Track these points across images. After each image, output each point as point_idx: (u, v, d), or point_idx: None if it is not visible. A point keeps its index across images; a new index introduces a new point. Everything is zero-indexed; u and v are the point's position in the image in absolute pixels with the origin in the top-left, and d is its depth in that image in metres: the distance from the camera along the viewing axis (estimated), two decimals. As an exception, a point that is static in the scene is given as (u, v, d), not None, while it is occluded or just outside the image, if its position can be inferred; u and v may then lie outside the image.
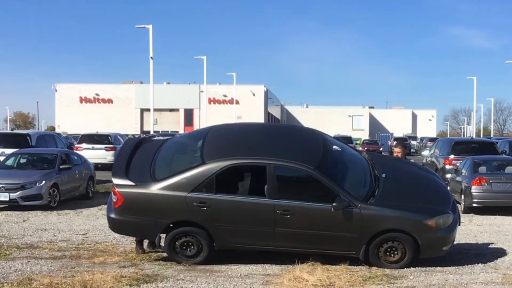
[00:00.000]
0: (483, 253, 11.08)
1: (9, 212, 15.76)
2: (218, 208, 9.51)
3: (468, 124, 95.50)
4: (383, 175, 10.24)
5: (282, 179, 9.66)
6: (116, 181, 9.76)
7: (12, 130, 37.41)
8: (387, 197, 9.79)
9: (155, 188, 9.57)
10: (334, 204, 9.33)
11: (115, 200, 9.74)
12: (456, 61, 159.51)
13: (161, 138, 11.81)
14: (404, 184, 10.38)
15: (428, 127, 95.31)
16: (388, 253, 9.59)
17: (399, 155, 11.96)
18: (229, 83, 66.63)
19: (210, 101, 70.81)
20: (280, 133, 10.90)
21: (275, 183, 9.53)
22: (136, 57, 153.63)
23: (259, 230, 9.58)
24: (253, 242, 9.71)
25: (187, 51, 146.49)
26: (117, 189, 9.68)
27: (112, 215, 9.87)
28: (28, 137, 22.75)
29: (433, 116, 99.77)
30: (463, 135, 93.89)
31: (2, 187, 15.96)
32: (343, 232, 9.51)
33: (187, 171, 9.63)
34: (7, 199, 15.98)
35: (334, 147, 10.67)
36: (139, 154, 10.41)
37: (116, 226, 10.02)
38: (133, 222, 9.73)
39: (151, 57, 35.73)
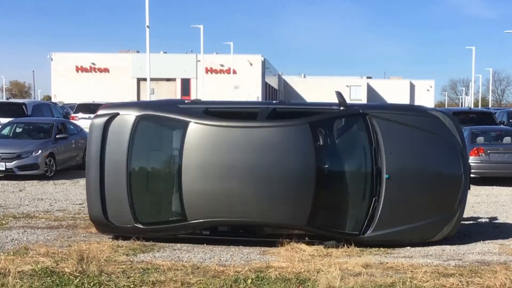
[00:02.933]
0: (480, 224, 11.10)
1: (5, 182, 15.73)
2: None
3: (467, 94, 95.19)
4: (386, 176, 8.90)
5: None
6: (94, 217, 9.20)
7: (8, 99, 37.24)
8: (389, 220, 8.87)
9: (141, 233, 9.00)
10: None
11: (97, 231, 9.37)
12: (455, 31, 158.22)
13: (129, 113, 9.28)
14: (410, 184, 9.07)
15: (426, 98, 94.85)
16: None
17: None
18: (226, 52, 66.25)
19: (207, 70, 70.26)
20: (267, 157, 8.90)
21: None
22: (133, 26, 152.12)
23: None
24: None
25: (184, 20, 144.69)
26: (97, 228, 9.30)
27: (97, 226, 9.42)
28: (24, 106, 22.67)
29: (431, 86, 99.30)
30: (461, 106, 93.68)
31: (-2, 156, 15.90)
32: None
33: (173, 223, 9.00)
34: (3, 168, 15.94)
35: None
36: (109, 161, 9.14)
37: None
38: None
39: (147, 26, 35.27)
